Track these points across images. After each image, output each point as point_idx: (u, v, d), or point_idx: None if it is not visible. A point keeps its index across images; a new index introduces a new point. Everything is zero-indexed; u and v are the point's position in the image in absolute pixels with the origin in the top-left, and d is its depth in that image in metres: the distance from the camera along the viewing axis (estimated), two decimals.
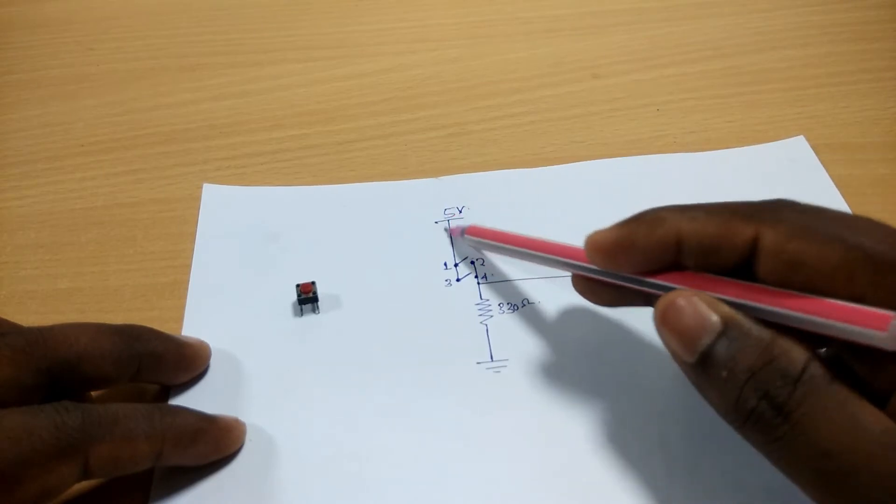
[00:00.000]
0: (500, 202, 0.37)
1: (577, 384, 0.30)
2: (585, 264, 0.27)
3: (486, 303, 0.33)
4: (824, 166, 0.38)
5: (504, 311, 0.32)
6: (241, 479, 0.27)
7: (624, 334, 0.31)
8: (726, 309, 0.22)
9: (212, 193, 0.38)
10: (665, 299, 0.23)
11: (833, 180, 0.37)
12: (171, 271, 0.35)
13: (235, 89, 0.45)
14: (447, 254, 0.35)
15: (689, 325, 0.22)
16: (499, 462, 0.27)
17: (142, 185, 0.39)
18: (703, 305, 0.22)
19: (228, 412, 0.28)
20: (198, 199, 0.38)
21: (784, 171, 0.38)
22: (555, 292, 0.33)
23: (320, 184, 0.39)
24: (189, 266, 0.35)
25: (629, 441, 0.28)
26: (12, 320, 0.27)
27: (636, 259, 0.25)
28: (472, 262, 0.35)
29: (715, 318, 0.22)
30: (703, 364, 0.22)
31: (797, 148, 0.39)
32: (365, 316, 0.32)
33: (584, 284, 0.28)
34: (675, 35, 0.48)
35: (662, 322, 0.23)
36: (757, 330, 0.21)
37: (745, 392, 0.21)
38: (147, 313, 0.33)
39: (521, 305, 0.33)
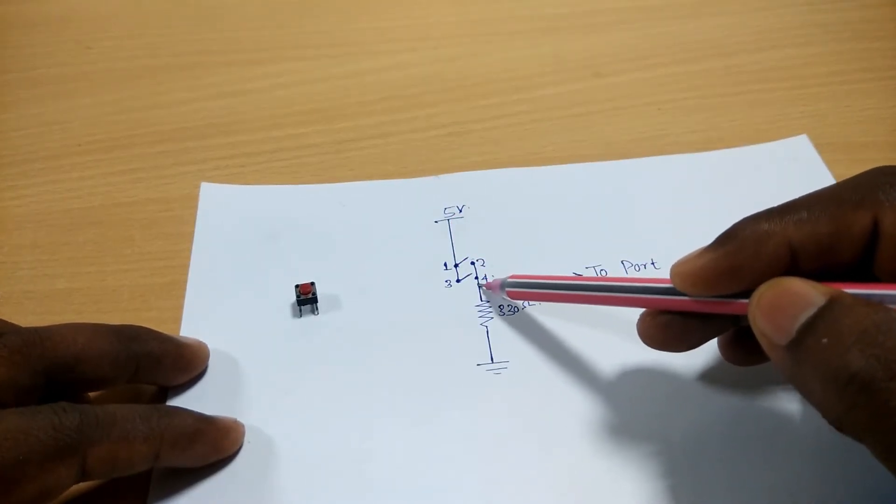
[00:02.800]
0: (501, 201, 0.37)
1: (577, 386, 0.29)
2: (670, 296, 0.24)
3: (487, 304, 0.33)
4: (827, 165, 0.38)
5: (505, 313, 0.32)
6: (239, 481, 0.27)
7: (625, 335, 0.31)
8: (832, 288, 0.20)
9: (210, 192, 0.38)
10: (765, 284, 0.21)
11: (836, 179, 0.37)
12: (169, 271, 0.35)
13: (234, 88, 0.45)
14: (447, 254, 0.35)
15: (788, 304, 0.20)
16: (499, 463, 0.27)
17: (140, 184, 0.39)
18: (805, 284, 0.20)
19: (227, 413, 0.28)
20: (196, 198, 0.38)
21: (786, 170, 0.38)
22: None
23: (319, 183, 0.39)
24: (187, 266, 0.35)
25: (630, 442, 0.28)
26: (9, 321, 0.27)
27: (742, 284, 0.22)
28: (473, 263, 0.34)
29: (818, 295, 0.20)
30: (799, 340, 0.20)
31: (799, 147, 0.39)
32: (364, 317, 0.32)
33: (662, 327, 0.25)
34: (677, 34, 0.48)
35: (758, 306, 0.21)
36: (866, 303, 0.19)
37: (850, 355, 0.18)
38: (145, 314, 0.33)
39: (521, 307, 0.32)
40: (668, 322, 0.25)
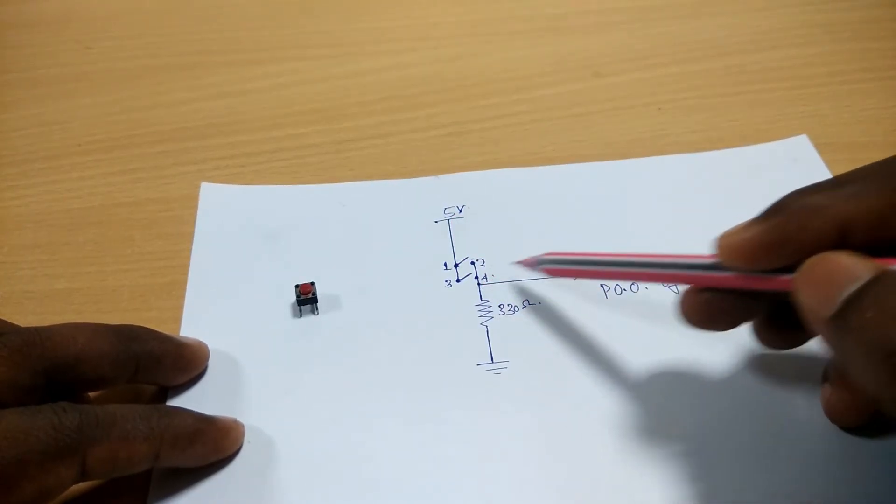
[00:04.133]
0: (501, 201, 0.37)
1: (577, 386, 0.29)
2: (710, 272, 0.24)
3: (487, 304, 0.33)
4: (827, 165, 0.38)
5: (504, 313, 0.32)
6: (239, 481, 0.27)
7: (625, 335, 0.31)
8: (880, 264, 0.20)
9: (210, 192, 0.38)
10: (812, 257, 0.21)
11: None
12: (169, 271, 0.35)
13: (234, 88, 0.45)
14: (447, 254, 0.35)
15: (834, 276, 0.20)
16: (499, 464, 0.27)
17: (140, 184, 0.39)
18: (853, 259, 0.20)
19: (227, 413, 0.28)
20: (196, 198, 0.38)
21: (786, 170, 0.38)
22: (556, 293, 0.33)
23: (319, 183, 0.39)
24: (187, 266, 0.35)
25: (630, 442, 0.28)
26: (10, 321, 0.27)
27: (788, 258, 0.22)
28: (473, 263, 0.34)
29: (865, 269, 0.20)
30: (843, 312, 0.20)
31: (799, 147, 0.39)
32: (364, 317, 0.32)
33: (704, 304, 0.25)
34: (677, 34, 0.48)
35: (804, 277, 0.21)
36: None
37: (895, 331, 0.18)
38: (145, 314, 0.33)
39: (521, 306, 0.32)
40: (710, 299, 0.25)
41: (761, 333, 0.27)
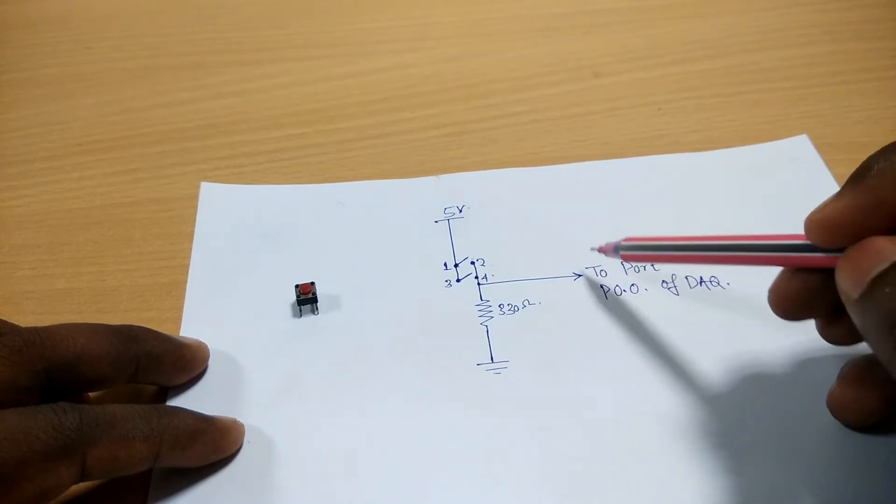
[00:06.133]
0: (501, 201, 0.37)
1: (577, 386, 0.29)
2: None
3: (487, 304, 0.33)
4: (827, 165, 0.38)
5: (504, 313, 0.32)
6: (239, 481, 0.27)
7: (625, 335, 0.31)
8: None
9: (210, 192, 0.38)
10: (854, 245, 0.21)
11: (836, 179, 0.37)
12: (169, 271, 0.35)
13: (234, 88, 0.45)
14: (447, 254, 0.35)
15: (866, 259, 0.21)
16: (499, 464, 0.27)
17: (140, 184, 0.39)
18: (888, 242, 0.21)
19: (227, 413, 0.28)
20: (196, 198, 0.38)
21: (786, 170, 0.38)
22: (556, 293, 0.33)
23: (319, 183, 0.39)
24: (187, 266, 0.35)
25: (630, 442, 0.28)
26: (9, 321, 0.27)
27: (887, 220, 0.21)
28: (473, 263, 0.34)
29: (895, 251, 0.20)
30: (869, 292, 0.20)
31: (800, 147, 0.39)
32: (364, 317, 0.32)
33: (796, 292, 0.24)
34: (677, 34, 0.48)
35: (842, 262, 0.21)
36: None
37: None
38: (145, 314, 0.33)
39: (521, 306, 0.32)
40: (803, 286, 0.24)
41: (826, 329, 0.26)
